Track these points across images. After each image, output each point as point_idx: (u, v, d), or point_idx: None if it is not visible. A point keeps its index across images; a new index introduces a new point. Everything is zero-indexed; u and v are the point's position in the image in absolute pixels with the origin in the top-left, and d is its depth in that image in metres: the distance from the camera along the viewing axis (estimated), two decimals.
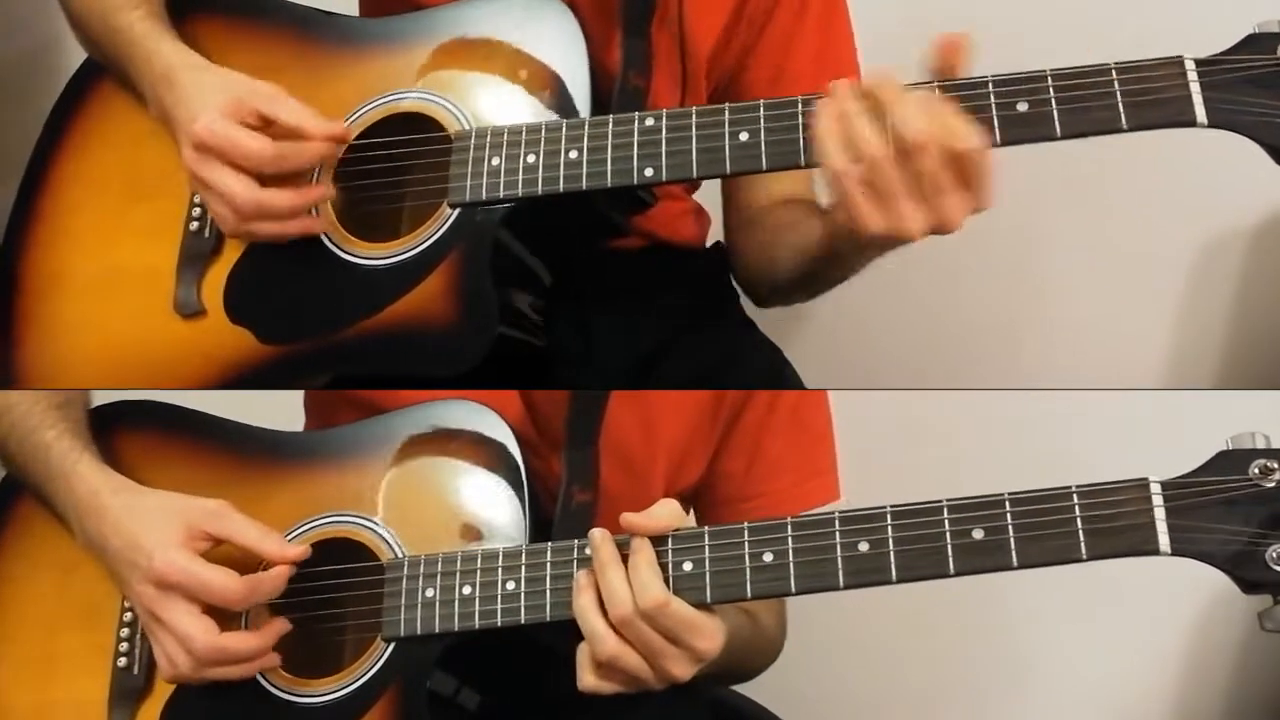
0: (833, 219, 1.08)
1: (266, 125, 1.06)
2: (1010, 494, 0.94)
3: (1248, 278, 1.80)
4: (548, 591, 1.00)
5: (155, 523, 1.04)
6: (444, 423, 1.09)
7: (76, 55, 1.21)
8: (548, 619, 1.00)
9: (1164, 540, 0.91)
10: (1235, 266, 1.80)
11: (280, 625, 1.05)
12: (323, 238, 1.09)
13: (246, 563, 1.04)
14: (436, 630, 1.02)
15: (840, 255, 1.13)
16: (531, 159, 1.05)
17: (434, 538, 1.05)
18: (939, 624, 1.67)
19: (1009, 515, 0.93)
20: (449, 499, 1.07)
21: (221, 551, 1.04)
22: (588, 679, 0.97)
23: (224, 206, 1.06)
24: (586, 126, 1.04)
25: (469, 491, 1.06)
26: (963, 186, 0.95)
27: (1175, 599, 1.67)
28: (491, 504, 1.05)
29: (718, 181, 1.32)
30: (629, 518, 0.97)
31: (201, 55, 1.11)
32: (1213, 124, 0.95)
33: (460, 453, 1.08)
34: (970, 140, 0.94)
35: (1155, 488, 0.92)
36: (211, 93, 1.07)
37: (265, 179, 1.06)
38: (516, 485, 1.05)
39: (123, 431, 1.15)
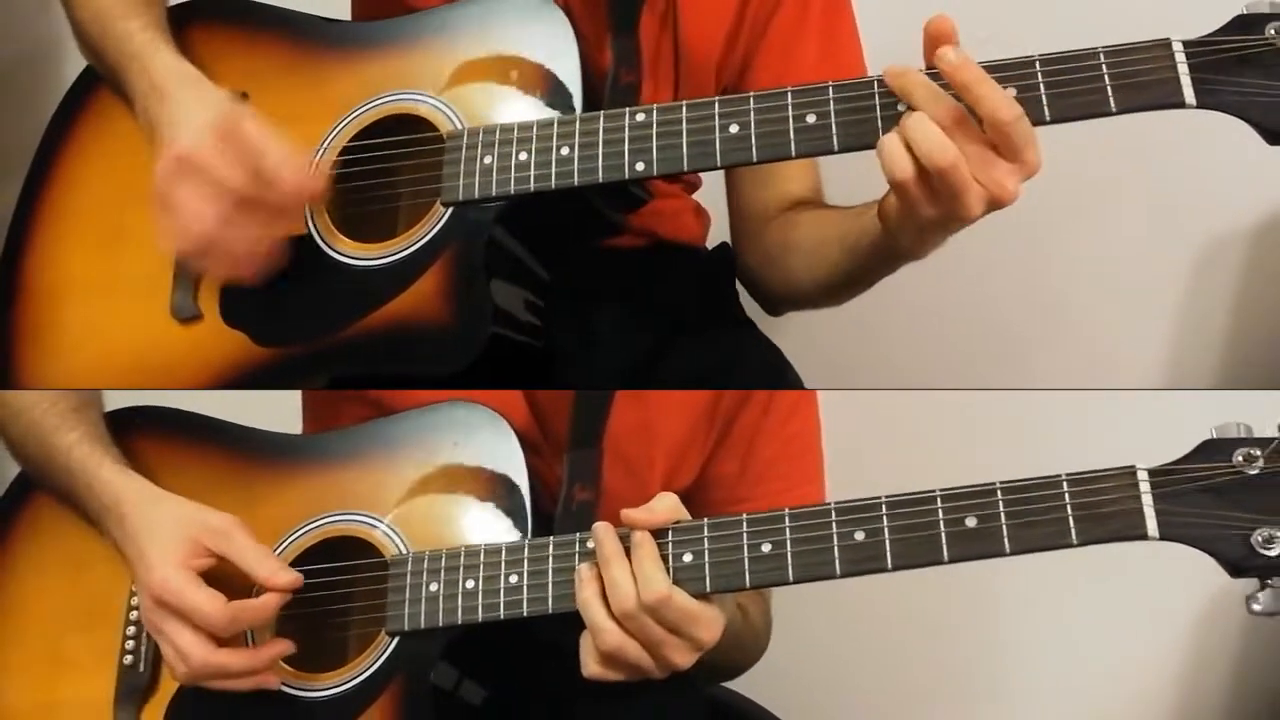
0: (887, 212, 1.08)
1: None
2: (1002, 483, 0.94)
3: (1248, 278, 1.80)
4: (550, 585, 1.01)
5: (162, 537, 1.04)
6: (449, 427, 1.10)
7: (76, 59, 1.21)
8: (550, 611, 1.00)
9: (1152, 525, 0.91)
10: (1235, 266, 1.80)
11: (280, 647, 1.05)
12: (316, 239, 1.09)
13: (248, 582, 1.04)
14: (440, 624, 1.03)
15: (895, 249, 1.11)
16: (524, 156, 1.04)
17: (437, 538, 1.06)
18: (938, 623, 1.67)
19: (1001, 503, 0.94)
20: (453, 504, 1.08)
21: (227, 567, 1.04)
22: (592, 667, 0.98)
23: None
24: (578, 123, 1.04)
25: (474, 497, 1.07)
26: (1007, 157, 0.94)
27: (1174, 597, 1.67)
28: (495, 510, 1.06)
29: (720, 182, 1.33)
30: (630, 513, 0.98)
31: (198, 63, 1.10)
32: (1201, 105, 0.94)
33: (465, 455, 1.09)
34: (1003, 111, 0.92)
35: (1142, 474, 0.92)
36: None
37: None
38: (520, 494, 1.06)
39: (135, 436, 1.16)
